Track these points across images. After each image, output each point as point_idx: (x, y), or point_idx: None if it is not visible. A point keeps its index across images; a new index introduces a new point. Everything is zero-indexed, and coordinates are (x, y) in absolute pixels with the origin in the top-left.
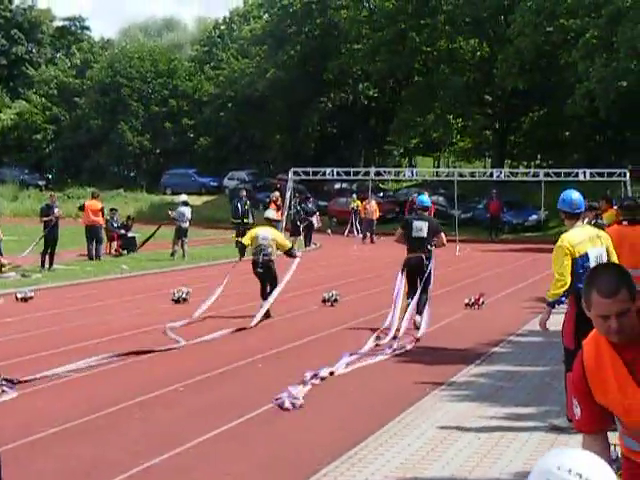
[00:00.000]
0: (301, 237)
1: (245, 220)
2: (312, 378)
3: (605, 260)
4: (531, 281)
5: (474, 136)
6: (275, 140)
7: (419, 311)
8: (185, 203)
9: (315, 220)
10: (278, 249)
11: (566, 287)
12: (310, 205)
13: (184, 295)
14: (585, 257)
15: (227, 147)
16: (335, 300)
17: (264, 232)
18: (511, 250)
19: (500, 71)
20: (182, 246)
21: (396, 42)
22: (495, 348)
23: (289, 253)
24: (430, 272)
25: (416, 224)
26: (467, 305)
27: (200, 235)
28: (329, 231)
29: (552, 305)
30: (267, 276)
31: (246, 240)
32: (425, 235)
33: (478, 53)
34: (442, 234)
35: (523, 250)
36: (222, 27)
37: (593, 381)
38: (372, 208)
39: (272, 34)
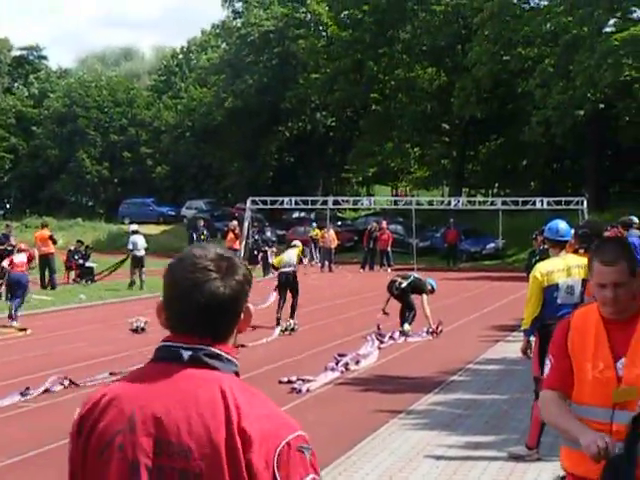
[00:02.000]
0: (259, 266)
1: None
2: (340, 365)
3: (578, 291)
4: (489, 309)
5: (432, 165)
6: (233, 169)
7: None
8: (135, 232)
9: (270, 253)
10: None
11: (534, 315)
12: (268, 234)
13: (142, 325)
14: (555, 287)
15: (185, 176)
16: (293, 329)
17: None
18: (469, 278)
19: (458, 100)
20: (140, 276)
21: (353, 71)
22: (453, 376)
23: None
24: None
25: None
26: (425, 333)
27: (158, 265)
28: None
29: (526, 333)
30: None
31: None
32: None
33: (436, 82)
34: (424, 297)
35: (481, 278)
36: (180, 56)
37: (574, 340)
38: (330, 237)
39: (230, 63)
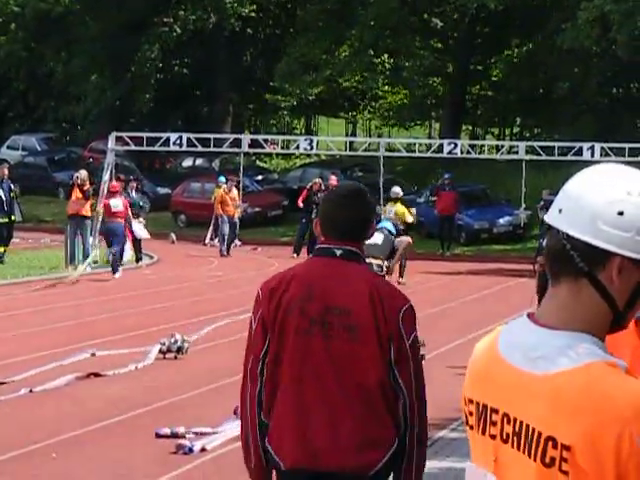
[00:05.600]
0: (128, 246)
1: (12, 217)
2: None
3: None
4: (501, 324)
5: (413, 86)
6: (88, 85)
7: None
8: None
9: (137, 227)
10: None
11: None
12: (134, 194)
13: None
14: None
15: (8, 94)
16: (179, 350)
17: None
18: (471, 272)
19: None
20: None
21: None
22: (442, 432)
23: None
24: None
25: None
26: None
27: None
28: (173, 236)
29: None
30: None
31: None
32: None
33: None
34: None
35: (490, 272)
36: None
37: None
38: (235, 198)
39: None
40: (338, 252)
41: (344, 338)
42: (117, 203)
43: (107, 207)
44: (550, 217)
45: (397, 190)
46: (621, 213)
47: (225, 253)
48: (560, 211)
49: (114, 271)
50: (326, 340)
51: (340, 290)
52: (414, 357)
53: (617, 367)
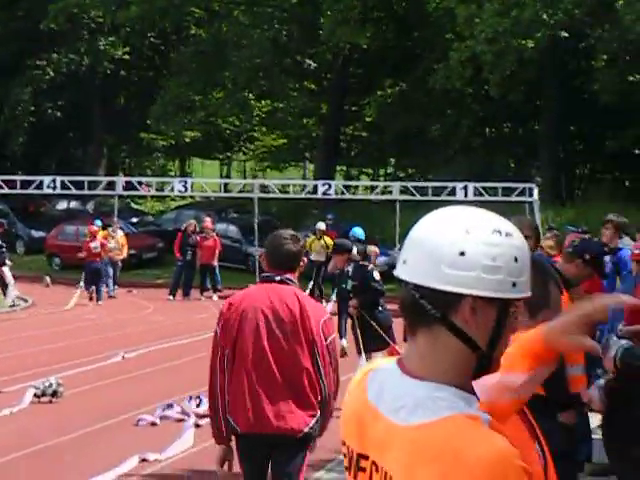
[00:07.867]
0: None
1: None
2: None
3: None
4: None
5: (288, 127)
6: None
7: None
8: None
9: (7, 271)
10: None
11: None
12: None
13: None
14: None
15: None
16: (54, 393)
17: None
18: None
19: (328, 20)
20: None
21: None
22: (318, 473)
23: None
24: None
25: None
26: None
27: None
28: (47, 279)
29: None
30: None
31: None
32: None
33: None
34: None
35: None
36: None
37: None
38: (118, 242)
39: None
40: (277, 278)
41: (281, 339)
42: (96, 245)
43: (88, 250)
44: (397, 270)
45: (322, 225)
46: (462, 253)
47: (100, 296)
48: (405, 262)
49: (98, 299)
50: (269, 340)
51: (278, 305)
52: (330, 352)
53: (477, 420)
